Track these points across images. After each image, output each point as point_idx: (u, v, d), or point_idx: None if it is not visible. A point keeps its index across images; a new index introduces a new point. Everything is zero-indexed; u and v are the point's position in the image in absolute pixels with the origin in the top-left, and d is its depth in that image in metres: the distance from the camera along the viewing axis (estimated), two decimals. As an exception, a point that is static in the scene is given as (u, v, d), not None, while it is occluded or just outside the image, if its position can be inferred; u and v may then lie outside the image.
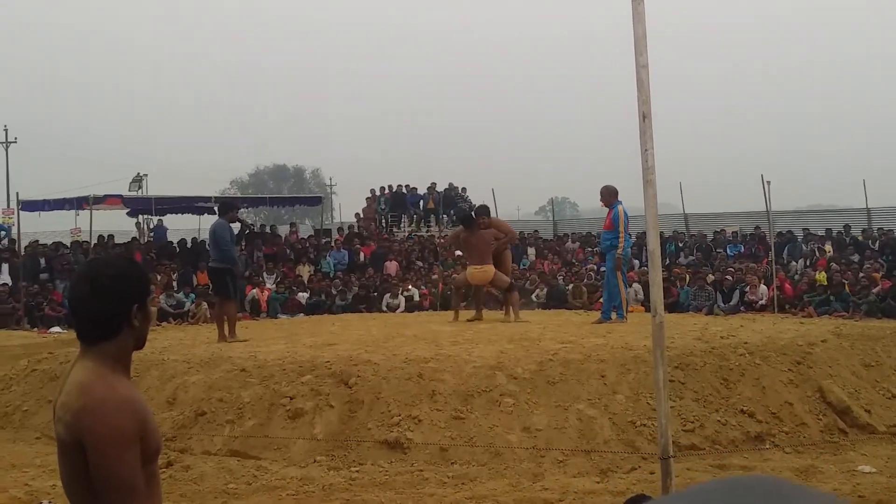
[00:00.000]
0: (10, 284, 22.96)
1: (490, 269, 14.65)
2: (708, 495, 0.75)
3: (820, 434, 9.28)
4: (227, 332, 12.87)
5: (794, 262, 24.65)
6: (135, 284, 2.91)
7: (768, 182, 22.60)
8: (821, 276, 21.47)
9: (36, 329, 20.95)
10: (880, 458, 8.68)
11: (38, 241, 26.40)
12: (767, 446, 8.97)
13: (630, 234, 14.61)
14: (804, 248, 25.71)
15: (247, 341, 12.51)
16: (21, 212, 24.91)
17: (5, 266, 23.91)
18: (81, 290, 2.90)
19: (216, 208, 15.18)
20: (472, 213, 15.90)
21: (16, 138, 52.56)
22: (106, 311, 2.86)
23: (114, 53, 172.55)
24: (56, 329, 20.70)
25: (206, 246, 17.07)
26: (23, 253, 24.25)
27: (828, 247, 25.33)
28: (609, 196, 13.99)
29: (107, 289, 2.86)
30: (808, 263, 24.16)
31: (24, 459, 9.23)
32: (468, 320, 15.05)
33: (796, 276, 22.76)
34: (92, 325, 2.87)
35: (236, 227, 14.09)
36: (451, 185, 33.53)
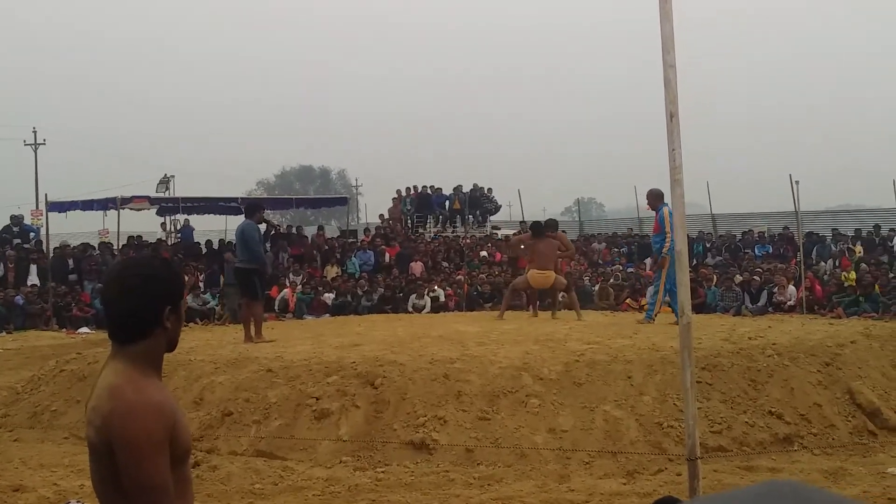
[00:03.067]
0: (39, 285, 23.15)
1: (551, 275, 15.63)
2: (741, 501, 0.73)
3: (849, 436, 9.20)
4: (253, 333, 12.92)
5: (822, 263, 24.45)
6: (166, 286, 2.89)
7: (797, 182, 22.44)
8: (850, 277, 21.24)
9: (64, 330, 21.12)
10: (911, 461, 8.59)
11: (66, 242, 26.57)
12: (796, 448, 8.90)
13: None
14: (833, 248, 25.50)
15: (273, 342, 12.54)
16: (49, 213, 25.07)
17: (34, 267, 24.10)
18: (112, 290, 2.89)
19: (242, 209, 15.28)
20: (542, 224, 16.69)
21: (44, 140, 53.07)
22: (136, 312, 2.84)
23: (139, 55, 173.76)
24: (84, 330, 20.86)
25: (233, 247, 17.16)
26: (51, 254, 24.42)
27: (858, 247, 25.10)
28: (654, 199, 14.07)
29: (137, 290, 2.84)
30: (836, 264, 23.97)
31: (53, 459, 9.29)
32: (532, 316, 16.10)
33: (825, 277, 22.56)
34: (122, 326, 2.85)
35: (262, 227, 14.13)
36: (476, 185, 33.52)
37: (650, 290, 14.07)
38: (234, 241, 17.73)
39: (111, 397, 2.73)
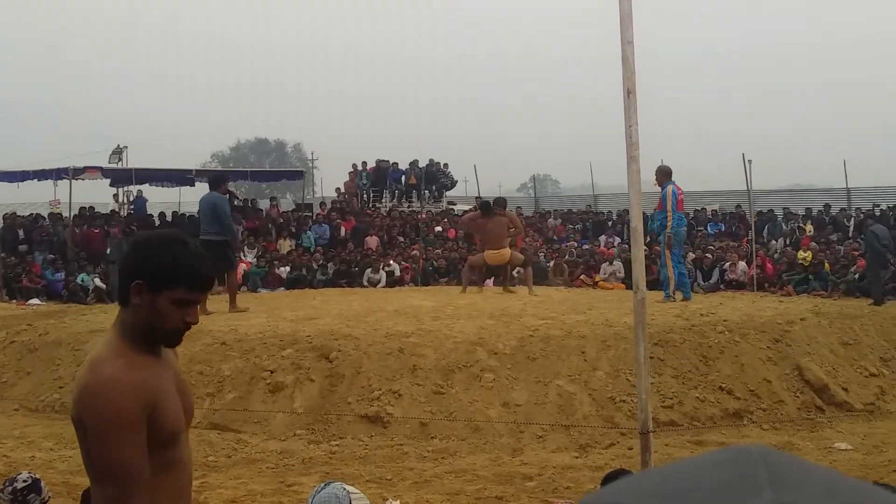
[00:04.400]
0: (-11, 256, 22.81)
1: (506, 252, 15.93)
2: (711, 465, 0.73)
3: (797, 411, 9.37)
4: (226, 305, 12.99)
5: (773, 241, 24.75)
6: (139, 262, 2.76)
7: (749, 161, 22.63)
8: (806, 256, 21.47)
9: (14, 301, 20.84)
10: (857, 436, 8.78)
11: (15, 212, 26.22)
12: (745, 423, 9.05)
13: (683, 214, 14.65)
14: (784, 227, 25.81)
15: (246, 310, 12.58)
16: (0, 182, 24.69)
17: (-17, 237, 23.73)
18: None
19: (207, 182, 15.12)
20: (491, 203, 16.97)
21: (-6, 109, 52.02)
22: (121, 275, 2.81)
23: (91, 24, 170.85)
24: (34, 301, 20.59)
25: (198, 218, 16.98)
26: (1, 224, 24.05)
27: (808, 226, 25.43)
28: (662, 176, 14.19)
29: (128, 255, 2.82)
30: (787, 242, 24.26)
31: (3, 431, 9.21)
32: (504, 291, 15.96)
33: (776, 255, 22.85)
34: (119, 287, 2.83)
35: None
36: (432, 160, 33.42)
37: (663, 271, 14.25)
38: (185, 213, 17.55)
39: (89, 370, 2.66)
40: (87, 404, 2.61)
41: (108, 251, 21.75)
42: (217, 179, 14.19)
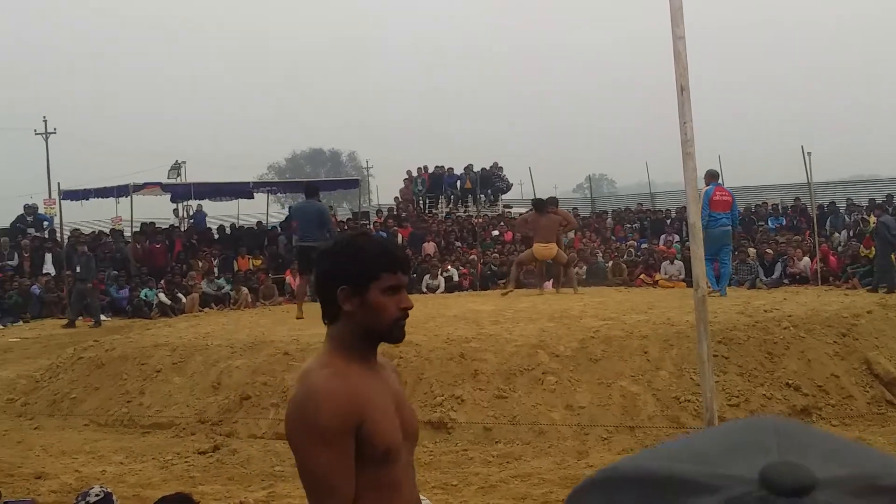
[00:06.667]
0: (54, 274, 23.21)
1: (554, 247, 16.24)
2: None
3: (867, 406, 9.20)
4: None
5: (837, 234, 24.31)
6: (340, 264, 2.67)
7: (809, 153, 22.26)
8: (870, 252, 21.04)
9: (81, 317, 21.18)
10: (929, 430, 8.60)
11: (79, 229, 26.68)
12: (814, 419, 8.90)
13: (713, 213, 14.61)
14: (847, 219, 25.35)
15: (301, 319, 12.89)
16: (63, 201, 25.13)
17: (49, 256, 24.17)
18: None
19: (304, 191, 15.45)
20: (544, 201, 17.57)
21: (55, 129, 53.04)
22: (320, 292, 2.72)
23: (148, 40, 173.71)
24: (100, 317, 20.88)
25: (292, 225, 17.41)
26: (66, 242, 24.49)
27: (872, 218, 24.93)
28: (705, 178, 14.63)
29: (320, 268, 2.73)
30: (851, 235, 23.81)
31: (74, 446, 9.36)
32: (539, 293, 16.20)
33: (839, 248, 22.44)
34: (320, 305, 2.73)
35: None
36: (496, 164, 33.35)
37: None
38: (244, 226, 17.57)
39: (298, 384, 2.60)
40: (289, 416, 2.54)
41: (77, 269, 20.61)
42: (314, 188, 14.71)
